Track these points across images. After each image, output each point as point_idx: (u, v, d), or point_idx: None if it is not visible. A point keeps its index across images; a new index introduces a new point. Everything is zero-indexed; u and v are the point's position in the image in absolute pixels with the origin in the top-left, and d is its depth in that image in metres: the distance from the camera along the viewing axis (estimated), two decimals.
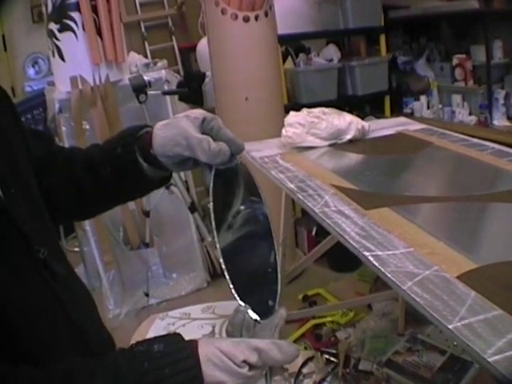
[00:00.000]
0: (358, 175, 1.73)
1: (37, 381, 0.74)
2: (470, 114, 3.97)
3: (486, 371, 0.79)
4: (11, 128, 0.98)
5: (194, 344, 0.81)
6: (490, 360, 0.78)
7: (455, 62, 3.99)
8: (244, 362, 0.81)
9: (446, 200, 1.46)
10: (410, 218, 1.30)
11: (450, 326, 0.87)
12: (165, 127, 1.02)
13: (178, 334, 0.83)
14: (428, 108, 4.29)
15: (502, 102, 3.72)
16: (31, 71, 5.30)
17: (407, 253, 1.12)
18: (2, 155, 0.90)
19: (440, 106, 4.20)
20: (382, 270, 1.07)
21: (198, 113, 1.01)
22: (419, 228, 1.25)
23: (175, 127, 0.99)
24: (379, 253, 1.13)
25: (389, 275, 1.05)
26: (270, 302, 0.94)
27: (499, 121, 3.75)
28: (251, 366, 0.82)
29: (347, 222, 1.30)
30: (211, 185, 0.97)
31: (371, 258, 1.11)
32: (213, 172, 0.97)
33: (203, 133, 0.98)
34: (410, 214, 1.33)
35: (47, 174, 1.08)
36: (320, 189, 1.54)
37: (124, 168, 1.06)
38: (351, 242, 1.19)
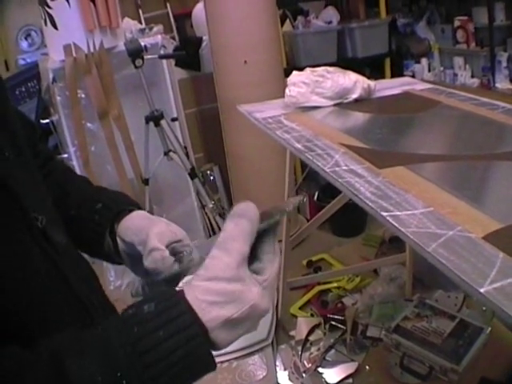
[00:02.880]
0: (368, 134, 1.66)
1: (22, 363, 0.67)
2: (473, 76, 3.93)
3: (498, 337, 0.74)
4: (2, 93, 0.92)
5: (182, 296, 0.70)
6: None
7: (457, 24, 3.93)
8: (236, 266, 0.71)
9: (461, 158, 1.40)
10: (427, 176, 1.25)
11: (481, 290, 0.81)
12: (144, 216, 1.00)
13: (170, 289, 0.72)
14: (429, 71, 4.24)
15: (504, 64, 3.67)
16: (24, 44, 5.23)
17: (427, 212, 1.06)
18: None
19: (441, 69, 4.15)
20: (403, 230, 1.00)
21: (179, 230, 0.98)
22: (437, 187, 1.19)
23: (149, 223, 0.97)
24: (398, 213, 1.07)
25: (411, 236, 0.98)
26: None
27: (502, 83, 3.70)
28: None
29: (361, 181, 1.24)
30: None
31: (390, 219, 1.05)
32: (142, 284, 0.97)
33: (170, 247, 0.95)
34: (426, 172, 1.28)
35: None
36: (329, 148, 1.47)
37: (90, 225, 1.03)
38: (367, 202, 1.13)
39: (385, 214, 1.07)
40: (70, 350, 0.67)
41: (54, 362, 0.65)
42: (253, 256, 0.76)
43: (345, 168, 1.32)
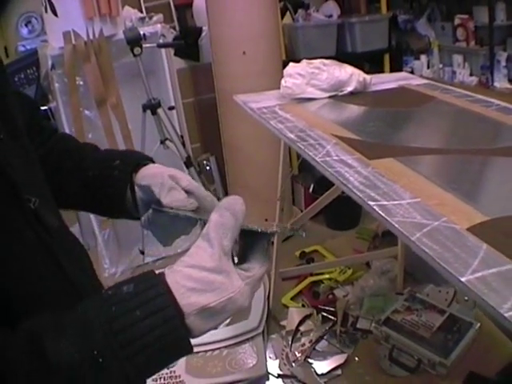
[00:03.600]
0: (361, 126, 1.68)
1: (1, 341, 0.67)
2: (471, 74, 3.93)
3: (500, 326, 0.75)
4: (2, 78, 0.93)
5: (163, 278, 0.71)
6: (506, 315, 0.74)
7: (457, 22, 3.93)
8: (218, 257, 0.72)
9: (452, 152, 1.42)
10: (416, 168, 1.26)
11: (462, 279, 0.83)
12: (160, 165, 1.04)
13: (150, 271, 0.73)
14: (428, 67, 4.24)
15: (503, 64, 3.67)
16: (24, 30, 5.21)
17: (414, 203, 1.08)
18: None
19: (440, 66, 4.15)
20: (389, 219, 1.02)
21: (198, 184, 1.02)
22: (426, 179, 1.21)
23: (168, 171, 1.00)
24: (385, 202, 1.09)
25: (396, 225, 1.00)
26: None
27: (500, 82, 3.71)
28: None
29: (350, 171, 1.25)
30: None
31: (376, 208, 1.07)
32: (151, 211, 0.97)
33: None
34: (415, 164, 1.29)
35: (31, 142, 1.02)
36: (321, 138, 1.49)
37: (111, 181, 1.05)
38: (355, 191, 1.15)
39: (372, 203, 1.08)
40: (48, 328, 0.68)
41: (32, 339, 0.67)
42: (245, 257, 0.78)
43: (335, 158, 1.33)
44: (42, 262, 0.83)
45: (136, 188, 1.03)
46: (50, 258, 0.85)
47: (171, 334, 0.69)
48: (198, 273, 0.71)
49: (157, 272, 0.72)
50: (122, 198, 1.05)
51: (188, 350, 0.72)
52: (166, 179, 0.97)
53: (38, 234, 0.83)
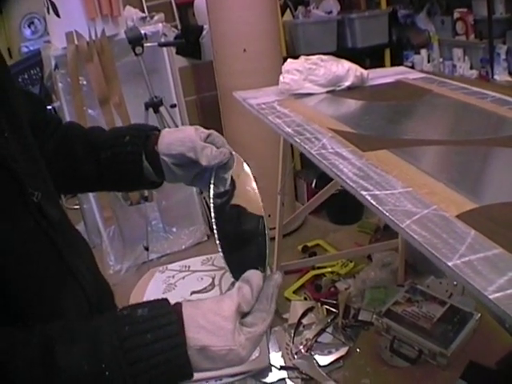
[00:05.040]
0: (357, 120, 1.71)
1: (13, 345, 0.70)
2: (471, 68, 3.94)
3: (488, 308, 0.78)
4: (4, 75, 0.95)
5: (178, 308, 0.77)
6: (491, 297, 0.77)
7: (456, 15, 3.94)
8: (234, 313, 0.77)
9: (445, 144, 1.44)
10: (409, 159, 1.29)
11: (449, 264, 0.86)
12: (173, 130, 1.09)
13: (165, 300, 0.78)
14: (428, 61, 4.25)
15: (503, 57, 3.68)
16: (27, 32, 5.26)
17: (405, 192, 1.11)
18: None
19: (441, 60, 4.16)
20: (380, 208, 1.05)
21: (204, 129, 1.08)
22: (418, 169, 1.23)
23: (183, 132, 1.06)
24: (377, 192, 1.12)
25: (387, 214, 1.03)
26: (260, 269, 0.90)
27: (500, 76, 3.71)
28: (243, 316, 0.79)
29: (344, 163, 1.28)
30: (211, 186, 1.00)
31: (369, 197, 1.10)
32: (213, 173, 1.01)
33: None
34: (408, 155, 1.32)
35: (37, 137, 1.05)
36: (317, 132, 1.52)
37: (125, 157, 1.09)
38: (348, 182, 1.18)
39: (364, 192, 1.11)
40: (61, 336, 0.71)
41: (44, 345, 0.70)
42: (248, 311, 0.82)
43: (331, 151, 1.37)
44: (43, 252, 0.86)
45: (164, 158, 1.06)
46: (52, 249, 0.87)
47: (176, 360, 0.74)
48: (213, 316, 0.76)
49: (174, 302, 0.78)
50: (139, 172, 1.09)
51: (188, 376, 0.76)
52: (195, 142, 1.02)
53: (40, 226, 0.85)
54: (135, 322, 0.74)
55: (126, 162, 1.09)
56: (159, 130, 1.11)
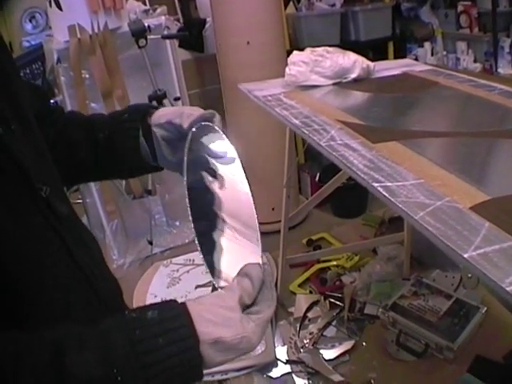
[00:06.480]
0: (365, 111, 1.70)
1: (23, 351, 0.69)
2: (475, 61, 3.95)
3: (504, 302, 0.77)
4: (11, 68, 0.95)
5: (185, 309, 0.76)
6: (508, 289, 0.76)
7: (460, 8, 3.94)
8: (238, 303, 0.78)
9: (454, 135, 1.43)
10: (419, 151, 1.28)
11: (465, 256, 0.85)
12: (169, 107, 1.14)
13: (173, 301, 0.78)
14: (432, 55, 4.26)
15: (507, 50, 3.69)
16: (28, 26, 5.24)
17: (417, 184, 1.10)
18: (1, 91, 0.87)
19: (444, 53, 4.16)
20: (393, 200, 1.04)
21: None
22: (429, 161, 1.22)
23: (177, 108, 1.09)
24: (388, 184, 1.11)
25: (399, 205, 1.02)
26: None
27: (504, 69, 3.73)
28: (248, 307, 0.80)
29: (354, 154, 1.27)
30: (186, 150, 0.95)
31: (381, 189, 1.09)
32: (190, 134, 0.97)
33: None
34: (418, 147, 1.31)
35: (42, 129, 1.05)
36: (325, 124, 1.51)
37: (123, 134, 1.11)
38: (359, 173, 1.17)
39: (376, 184, 1.10)
40: (71, 341, 0.71)
41: (54, 350, 0.69)
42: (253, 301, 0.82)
43: (340, 142, 1.35)
44: (51, 247, 0.85)
45: (154, 130, 1.08)
46: (59, 243, 0.87)
47: (188, 363, 0.73)
48: (218, 309, 0.76)
49: (178, 297, 0.79)
50: (137, 147, 1.10)
51: (199, 378, 0.76)
52: (184, 109, 1.05)
53: (48, 221, 0.85)
54: (146, 326, 0.74)
55: (124, 138, 1.10)
56: (157, 107, 1.13)
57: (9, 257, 0.76)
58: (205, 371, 0.76)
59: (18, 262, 0.77)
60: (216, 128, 1.03)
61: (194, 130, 0.98)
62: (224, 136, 1.03)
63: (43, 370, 0.67)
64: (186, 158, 0.93)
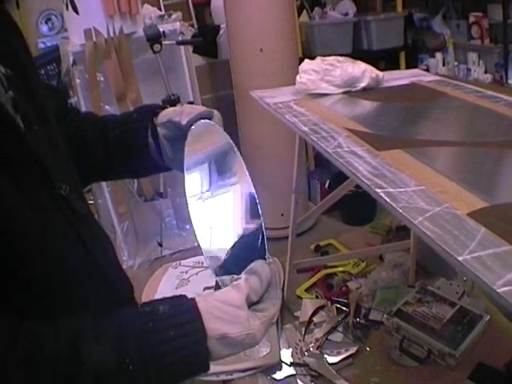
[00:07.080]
0: (372, 120, 1.73)
1: (42, 337, 0.73)
2: (486, 72, 3.96)
3: (496, 303, 0.80)
4: (32, 72, 0.98)
5: (195, 304, 0.80)
6: (499, 291, 0.79)
7: (472, 19, 3.96)
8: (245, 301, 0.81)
9: (458, 145, 1.46)
10: (423, 159, 1.31)
11: (459, 258, 0.88)
12: (173, 108, 1.13)
13: (184, 296, 0.82)
14: (443, 65, 4.28)
15: None
16: (44, 28, 5.30)
17: (418, 190, 1.13)
18: (23, 91, 0.90)
19: (455, 64, 4.18)
20: (394, 205, 1.08)
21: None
22: (431, 169, 1.26)
23: (180, 107, 1.11)
24: (390, 190, 1.14)
25: (400, 210, 1.05)
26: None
27: None
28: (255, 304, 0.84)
29: (360, 161, 1.31)
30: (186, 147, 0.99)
31: (383, 195, 1.12)
32: (189, 132, 1.01)
33: None
34: (422, 155, 1.34)
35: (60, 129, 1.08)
36: (333, 131, 1.54)
37: (132, 134, 1.13)
38: (363, 179, 1.20)
39: (378, 190, 1.14)
40: (87, 333, 0.74)
41: (70, 340, 0.72)
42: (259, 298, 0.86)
43: (346, 149, 1.39)
44: (70, 244, 0.89)
45: (159, 129, 1.11)
46: (77, 241, 0.90)
47: (196, 356, 0.78)
48: (227, 306, 0.79)
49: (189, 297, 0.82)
50: (146, 147, 1.12)
51: (205, 369, 0.81)
52: (185, 108, 1.07)
53: (67, 219, 0.88)
54: (158, 319, 0.77)
55: (134, 138, 1.13)
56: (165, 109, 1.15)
57: (31, 251, 0.79)
58: (211, 369, 0.81)
59: (39, 256, 0.80)
60: (216, 126, 1.06)
61: (193, 127, 1.02)
62: (224, 132, 1.06)
63: (59, 358, 0.71)
64: (185, 155, 0.97)
